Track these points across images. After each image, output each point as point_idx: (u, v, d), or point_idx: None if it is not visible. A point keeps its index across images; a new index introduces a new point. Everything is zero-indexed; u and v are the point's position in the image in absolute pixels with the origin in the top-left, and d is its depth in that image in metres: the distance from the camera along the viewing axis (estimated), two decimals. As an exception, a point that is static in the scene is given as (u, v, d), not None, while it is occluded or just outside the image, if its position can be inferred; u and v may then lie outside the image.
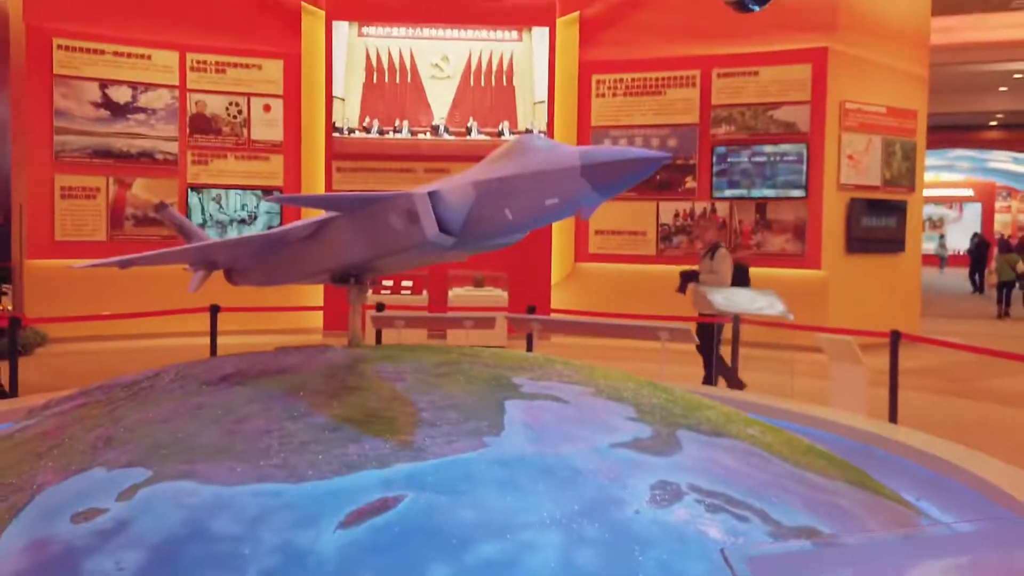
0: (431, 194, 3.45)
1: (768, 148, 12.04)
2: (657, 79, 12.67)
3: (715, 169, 12.39)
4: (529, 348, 7.98)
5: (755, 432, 3.93)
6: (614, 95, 12.90)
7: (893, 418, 6.14)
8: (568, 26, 12.91)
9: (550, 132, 12.65)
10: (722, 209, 12.41)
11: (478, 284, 12.50)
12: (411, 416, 3.33)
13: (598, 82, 12.95)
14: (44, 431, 3.64)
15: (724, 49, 12.16)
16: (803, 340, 8.23)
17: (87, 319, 8.89)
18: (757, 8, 6.19)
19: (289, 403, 3.46)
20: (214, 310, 7.65)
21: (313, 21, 12.62)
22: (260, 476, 2.86)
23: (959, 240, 32.42)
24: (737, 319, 7.16)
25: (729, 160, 12.33)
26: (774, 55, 11.91)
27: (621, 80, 12.84)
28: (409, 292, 12.18)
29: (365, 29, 12.43)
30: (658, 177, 12.61)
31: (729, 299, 7.03)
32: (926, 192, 14.76)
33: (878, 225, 12.26)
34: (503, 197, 3.28)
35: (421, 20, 12.48)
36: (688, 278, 8.21)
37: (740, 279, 8.08)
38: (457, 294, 12.27)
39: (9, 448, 3.57)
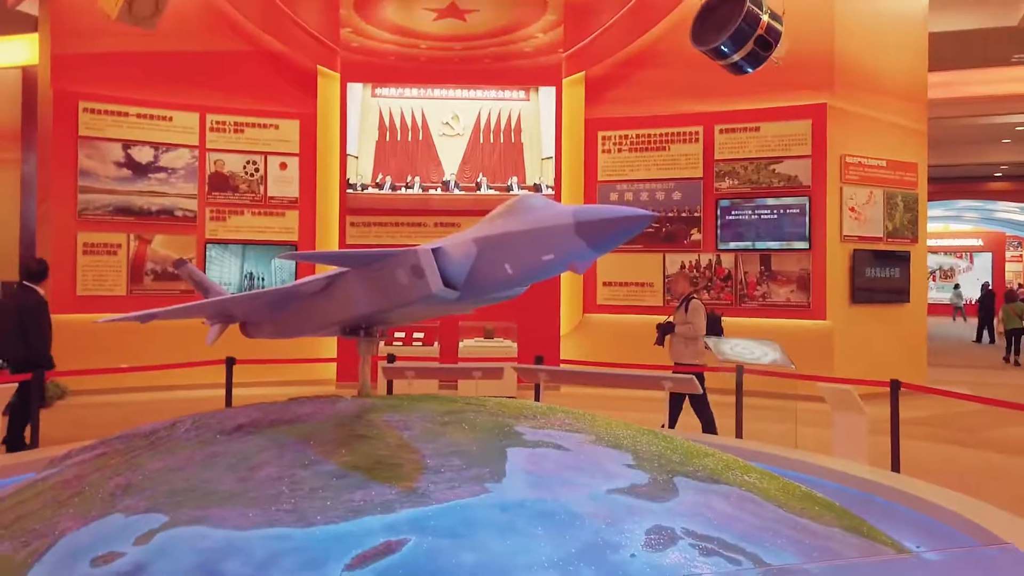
0: (435, 250, 3.65)
1: (771, 201, 12.27)
2: (661, 135, 12.99)
3: (719, 221, 12.62)
4: (537, 398, 8.12)
5: (752, 479, 4.03)
6: (619, 150, 13.22)
7: (895, 467, 6.21)
8: (574, 85, 13.30)
9: (557, 187, 12.95)
10: (727, 261, 12.61)
11: (488, 335, 12.67)
12: (416, 463, 3.47)
13: (604, 138, 13.29)
14: (65, 479, 3.79)
15: (725, 106, 12.50)
16: (807, 389, 8.30)
17: (106, 372, 9.09)
18: (751, 70, 6.44)
19: (300, 451, 3.61)
20: (230, 362, 7.84)
21: (328, 83, 13.07)
22: (270, 521, 3.00)
23: (970, 290, 32.40)
24: (740, 369, 7.28)
25: (733, 213, 12.56)
26: (774, 111, 12.24)
27: (626, 136, 13.18)
28: (421, 344, 12.35)
29: (378, 90, 12.85)
30: (664, 230, 12.88)
31: (733, 349, 7.16)
32: (936, 242, 14.93)
33: (882, 276, 12.40)
34: (503, 253, 3.47)
35: (432, 81, 12.90)
36: (665, 330, 8.43)
37: (713, 329, 8.32)
38: (468, 345, 12.43)
39: (32, 496, 3.73)
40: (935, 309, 30.15)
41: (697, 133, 12.79)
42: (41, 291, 7.73)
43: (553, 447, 3.77)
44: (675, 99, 12.85)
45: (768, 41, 6.25)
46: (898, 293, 12.60)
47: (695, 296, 8.44)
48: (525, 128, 12.99)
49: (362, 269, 3.97)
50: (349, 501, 3.14)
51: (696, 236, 12.83)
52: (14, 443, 7.27)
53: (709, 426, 7.84)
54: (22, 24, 14.63)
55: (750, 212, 12.44)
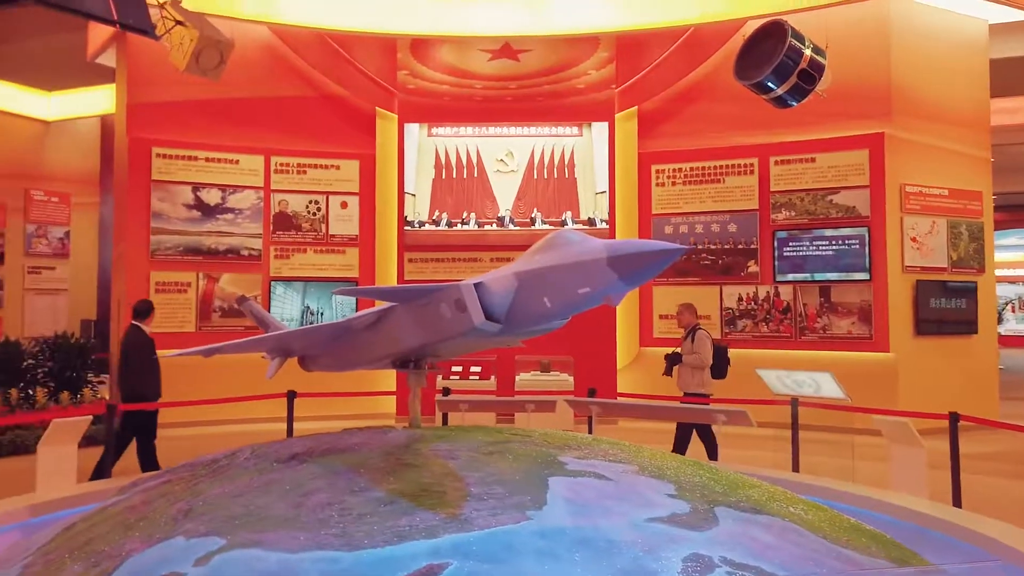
0: (477, 285, 3.79)
1: (829, 232, 12.13)
2: (715, 167, 13.00)
3: (777, 253, 12.52)
4: (590, 431, 8.15)
5: (798, 510, 4.02)
6: (673, 184, 13.27)
7: (956, 502, 6.05)
8: (626, 120, 13.44)
9: (611, 221, 13.04)
10: (785, 293, 12.46)
11: (544, 369, 12.74)
12: (460, 491, 3.58)
13: (657, 172, 13.36)
14: (132, 505, 4.01)
15: (780, 137, 12.46)
16: (864, 423, 8.15)
17: (173, 405, 9.44)
18: (795, 103, 6.45)
19: (350, 479, 3.75)
20: (291, 396, 8.09)
21: (387, 124, 13.48)
22: (320, 544, 3.15)
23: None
24: (795, 402, 7.20)
25: (791, 244, 12.44)
26: (830, 142, 12.14)
27: (680, 169, 13.23)
28: (478, 377, 12.48)
29: (434, 129, 13.19)
30: (720, 262, 12.83)
31: (785, 381, 7.10)
32: (1012, 272, 14.45)
33: (948, 307, 12.09)
34: (541, 287, 3.59)
35: (486, 119, 13.20)
36: (673, 360, 8.62)
37: (719, 360, 8.45)
38: (524, 379, 12.52)
39: (100, 521, 3.95)
40: (1014, 341, 29.10)
41: (752, 165, 12.76)
42: (147, 329, 8.21)
43: (595, 477, 3.83)
44: (729, 131, 12.87)
45: (811, 75, 6.27)
46: (966, 324, 12.25)
47: (700, 326, 8.63)
48: (578, 163, 13.15)
49: (409, 304, 4.13)
50: (395, 526, 3.26)
51: (753, 268, 12.73)
52: (147, 464, 7.70)
53: (713, 452, 7.90)
54: (101, 76, 15.50)
55: (808, 243, 12.30)
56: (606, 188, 13.05)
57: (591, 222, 13.05)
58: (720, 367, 8.40)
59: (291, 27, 12.92)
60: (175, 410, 10.48)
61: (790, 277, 12.44)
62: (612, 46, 13.16)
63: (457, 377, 12.44)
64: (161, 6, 7.12)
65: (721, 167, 12.97)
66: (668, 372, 8.71)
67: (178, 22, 7.17)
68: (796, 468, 7.09)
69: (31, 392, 11.42)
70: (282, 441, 4.69)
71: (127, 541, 3.46)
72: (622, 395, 12.62)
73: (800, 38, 6.25)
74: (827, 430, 9.04)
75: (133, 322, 8.24)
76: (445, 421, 8.83)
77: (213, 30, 7.56)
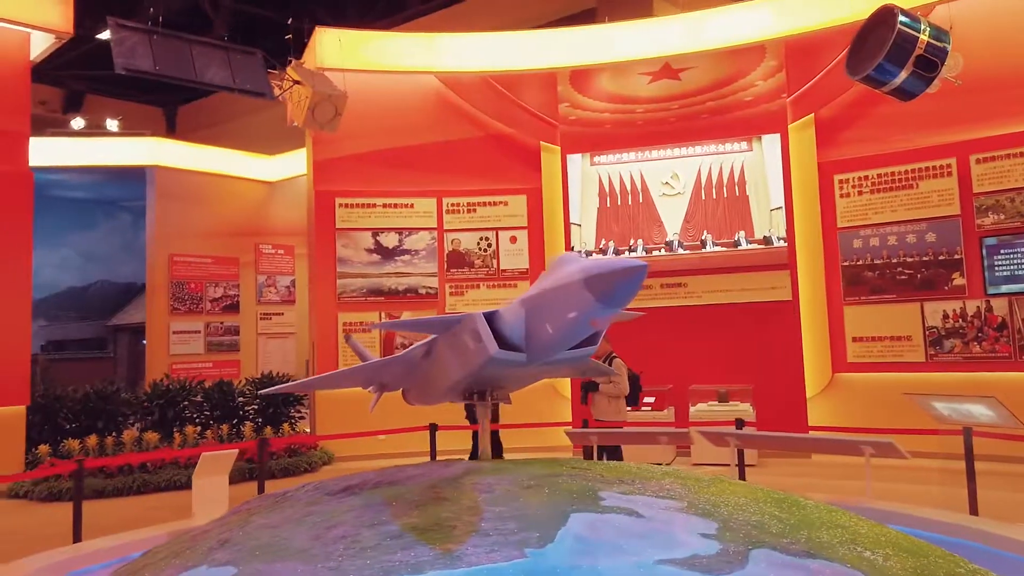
0: (492, 314, 3.67)
1: (1049, 234, 10.48)
2: (907, 172, 11.73)
3: (986, 262, 11.00)
4: (740, 465, 7.58)
5: (876, 556, 3.46)
6: (859, 193, 12.13)
7: None
8: (802, 129, 12.53)
9: (790, 237, 12.18)
10: (999, 307, 10.90)
11: (722, 399, 12.05)
12: (471, 526, 3.44)
13: (841, 182, 12.28)
14: (206, 530, 4.26)
15: (981, 132, 11.00)
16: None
17: (322, 439, 9.98)
18: (918, 93, 5.60)
19: (378, 511, 3.73)
20: (432, 429, 8.28)
21: (550, 157, 13.60)
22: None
23: None
24: (968, 432, 6.21)
25: (1003, 252, 10.88)
26: (1041, 131, 10.54)
27: (866, 177, 12.07)
28: (650, 408, 12.08)
29: (597, 158, 13.11)
30: (919, 276, 11.51)
31: (953, 409, 6.17)
32: None
33: None
34: (541, 313, 3.42)
35: (649, 143, 12.90)
36: (588, 388, 8.56)
37: (634, 388, 8.70)
38: (700, 410, 11.91)
39: (179, 544, 4.24)
40: None
41: (949, 166, 11.37)
42: None
43: (627, 513, 3.53)
44: (920, 131, 11.58)
45: (931, 61, 5.44)
46: None
47: (615, 354, 8.47)
48: (750, 179, 12.45)
49: (446, 335, 4.09)
50: (388, 561, 3.18)
51: (959, 281, 11.27)
52: None
53: None
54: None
55: None
56: (782, 203, 12.22)
57: (767, 240, 12.27)
58: (634, 395, 8.62)
59: (456, 73, 13.49)
60: (365, 444, 11.09)
61: (1004, 289, 10.87)
62: (780, 53, 12.39)
63: (630, 409, 12.09)
64: (282, 70, 7.75)
65: (913, 171, 11.68)
66: (584, 400, 8.65)
67: (295, 82, 7.74)
68: (974, 508, 6.11)
69: (240, 427, 12.64)
70: (350, 475, 4.79)
71: (168, 567, 3.67)
72: (814, 428, 11.60)
73: (915, 22, 5.48)
74: (1004, 460, 7.68)
75: None
76: (592, 455, 8.62)
77: (326, 85, 8.08)
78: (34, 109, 21.75)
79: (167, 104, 27.14)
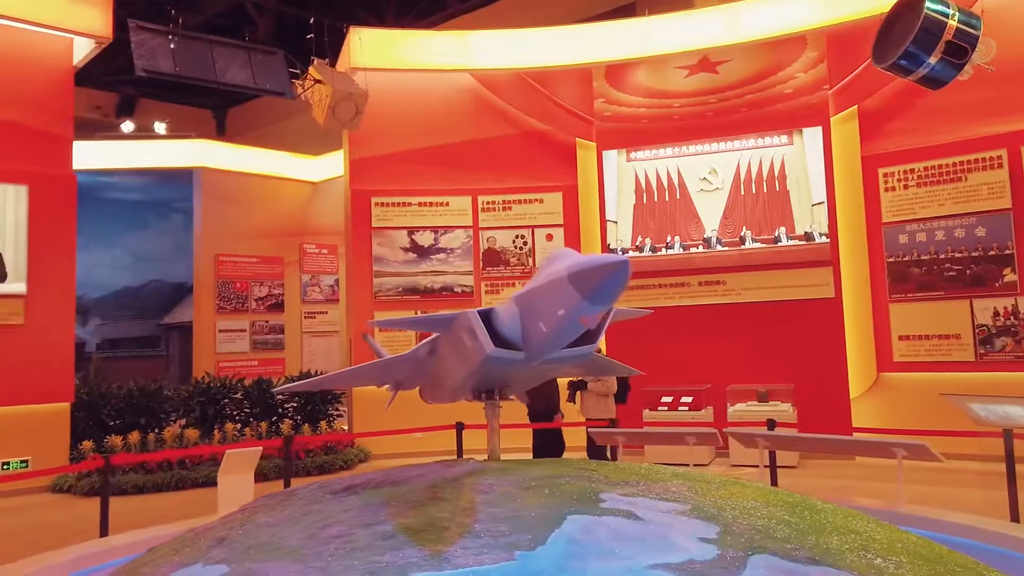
0: (488, 311, 3.59)
1: (1104, 227, 9.99)
2: (955, 164, 11.30)
3: (1040, 257, 10.54)
4: (772, 467, 7.38)
5: (888, 563, 3.30)
6: (905, 187, 11.72)
7: None
8: (845, 122, 12.16)
9: (832, 233, 11.84)
10: (1053, 303, 10.43)
11: (762, 399, 11.77)
12: (464, 527, 3.37)
13: (885, 175, 11.89)
14: (209, 527, 4.28)
15: (1033, 120, 10.55)
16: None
17: (350, 437, 9.99)
18: (948, 80, 5.30)
19: (375, 512, 3.69)
20: (459, 427, 8.24)
21: (586, 154, 13.46)
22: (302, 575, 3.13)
23: None
24: (1009, 434, 5.92)
25: (1058, 245, 10.42)
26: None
27: (912, 170, 11.66)
28: (687, 408, 11.86)
29: (633, 154, 12.93)
30: (969, 272, 11.08)
31: (991, 411, 5.90)
32: None
33: None
34: (533, 310, 3.33)
35: (686, 138, 12.67)
36: (576, 387, 8.69)
37: (621, 386, 8.70)
38: (738, 410, 11.66)
39: (182, 539, 4.26)
40: None
41: (1000, 157, 10.91)
42: None
43: (625, 516, 3.43)
44: (969, 121, 11.14)
45: (960, 47, 5.16)
46: None
47: (602, 351, 8.33)
48: (790, 174, 12.14)
49: (447, 333, 4.02)
50: (375, 562, 3.13)
51: (1011, 277, 10.82)
52: None
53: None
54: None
55: (1079, 243, 10.24)
56: (824, 198, 11.89)
57: (808, 236, 11.95)
58: (622, 393, 8.66)
59: (490, 71, 13.44)
60: (401, 442, 11.10)
61: (1059, 284, 10.41)
62: (821, 44, 12.06)
63: (665, 408, 11.92)
64: (304, 69, 7.78)
65: (961, 163, 11.25)
66: (571, 399, 8.73)
67: (316, 81, 7.75)
68: (1015, 514, 5.83)
69: (279, 425, 12.78)
70: (358, 474, 4.76)
71: (165, 564, 3.68)
72: (858, 429, 11.25)
73: (943, 6, 5.21)
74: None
75: None
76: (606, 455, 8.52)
77: (347, 84, 8.08)
78: (89, 114, 22.44)
79: (217, 107, 27.67)
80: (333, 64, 10.55)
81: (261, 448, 7.06)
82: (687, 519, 3.46)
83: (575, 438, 12.04)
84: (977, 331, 11.09)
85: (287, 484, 7.71)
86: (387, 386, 5.47)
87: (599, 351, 9.64)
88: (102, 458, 6.67)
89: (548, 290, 3.15)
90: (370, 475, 4.49)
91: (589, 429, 8.28)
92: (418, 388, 5.34)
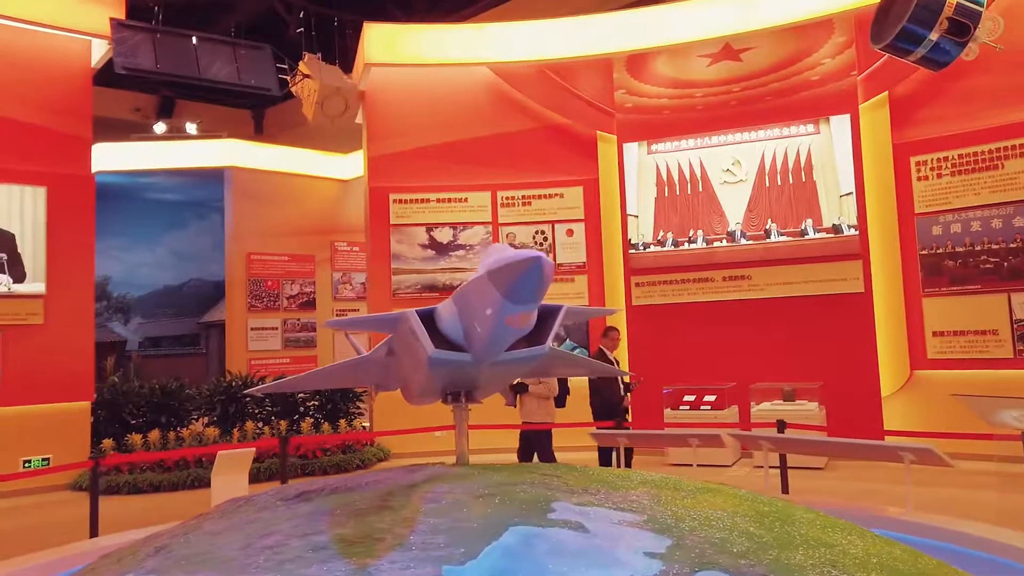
0: (430, 311, 3.41)
1: None
2: (991, 151, 10.76)
3: (1082, 248, 9.97)
4: (783, 472, 7.06)
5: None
6: (939, 176, 11.20)
7: None
8: (875, 109, 11.67)
9: (862, 225, 11.39)
10: (1097, 297, 9.85)
11: (788, 398, 11.38)
12: (399, 538, 3.20)
13: (918, 164, 11.37)
14: (155, 536, 4.16)
15: (1074, 103, 9.97)
16: None
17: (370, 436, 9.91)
18: (950, 60, 4.93)
19: (317, 521, 3.53)
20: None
21: (607, 147, 13.16)
22: (225, 588, 2.99)
23: None
24: (1029, 438, 5.54)
25: (1102, 235, 9.84)
26: None
27: (946, 158, 11.14)
28: (710, 408, 11.53)
29: (654, 146, 12.60)
30: (1006, 264, 10.55)
31: (1018, 417, 5.53)
32: None
33: None
34: (468, 309, 3.14)
35: (708, 129, 12.30)
36: (517, 390, 8.38)
37: (561, 389, 8.55)
38: (762, 409, 11.28)
39: (128, 549, 4.15)
40: None
41: (1039, 142, 10.36)
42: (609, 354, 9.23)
43: (572, 527, 3.24)
44: (1005, 107, 10.60)
45: (963, 24, 4.78)
46: None
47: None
48: (817, 164, 11.70)
49: (395, 334, 3.85)
50: (301, 575, 3.00)
51: (1051, 269, 10.26)
52: None
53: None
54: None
55: (1124, 232, 9.65)
56: (852, 189, 11.43)
57: (836, 229, 11.52)
58: (562, 396, 8.50)
59: (509, 64, 13.23)
60: (421, 440, 10.99)
61: (1104, 277, 9.82)
62: (850, 28, 11.59)
63: (687, 408, 11.60)
64: (293, 66, 7.66)
65: (998, 150, 10.71)
66: (512, 403, 8.29)
67: (304, 76, 7.63)
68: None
69: (300, 423, 12.77)
70: (316, 479, 4.62)
71: (105, 571, 3.58)
72: (889, 433, 10.78)
73: (944, -18, 4.85)
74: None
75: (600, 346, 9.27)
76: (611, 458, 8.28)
77: (335, 79, 7.94)
78: (128, 115, 22.80)
79: (255, 107, 27.91)
80: (345, 62, 10.45)
81: (254, 449, 6.99)
82: (638, 531, 3.25)
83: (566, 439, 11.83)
84: (1015, 326, 10.55)
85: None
86: (372, 388, 5.33)
87: (616, 362, 9.44)
88: (90, 460, 6.65)
89: (474, 288, 2.97)
90: (329, 480, 4.35)
91: (590, 431, 8.05)
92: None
